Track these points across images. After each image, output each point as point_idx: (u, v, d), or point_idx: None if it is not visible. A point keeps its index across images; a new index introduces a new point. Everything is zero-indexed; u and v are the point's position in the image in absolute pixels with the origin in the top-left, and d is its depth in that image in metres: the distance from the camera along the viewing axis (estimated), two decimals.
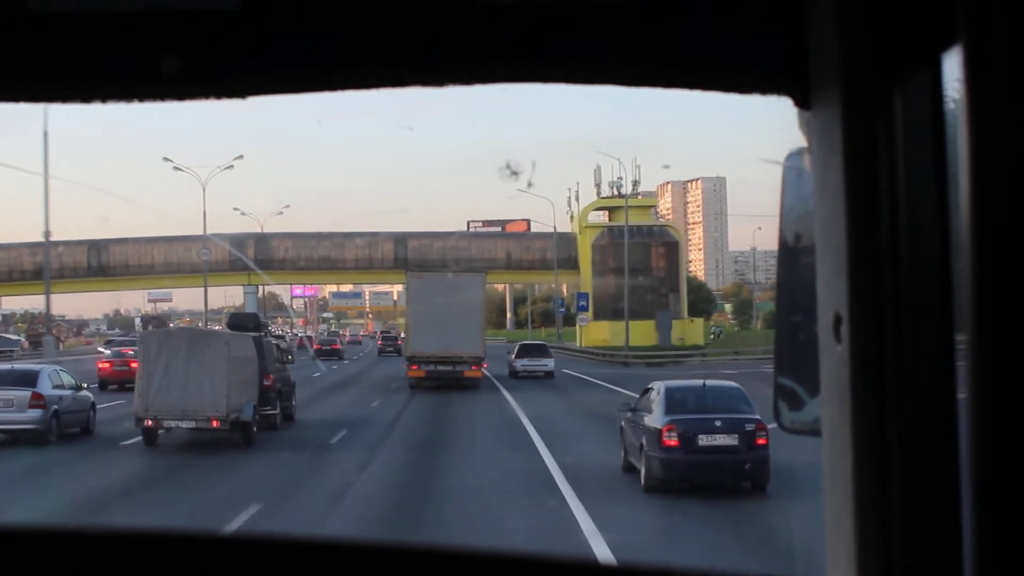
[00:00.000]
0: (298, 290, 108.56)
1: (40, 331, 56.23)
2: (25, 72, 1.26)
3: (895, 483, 1.11)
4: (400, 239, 71.84)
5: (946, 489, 1.07)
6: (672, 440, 14.03)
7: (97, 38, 1.23)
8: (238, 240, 69.15)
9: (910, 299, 1.09)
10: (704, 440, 14.11)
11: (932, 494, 1.09)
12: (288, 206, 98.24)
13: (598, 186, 78.80)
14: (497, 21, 1.21)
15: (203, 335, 21.96)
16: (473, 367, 33.61)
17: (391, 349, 58.38)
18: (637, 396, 16.57)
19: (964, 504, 1.00)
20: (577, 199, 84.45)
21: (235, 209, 60.94)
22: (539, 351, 41.01)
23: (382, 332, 75.95)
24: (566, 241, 73.25)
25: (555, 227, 74.17)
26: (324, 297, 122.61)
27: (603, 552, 10.37)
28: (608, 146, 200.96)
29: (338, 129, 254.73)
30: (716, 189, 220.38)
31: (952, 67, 0.94)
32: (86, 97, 1.27)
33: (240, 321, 24.30)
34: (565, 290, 77.68)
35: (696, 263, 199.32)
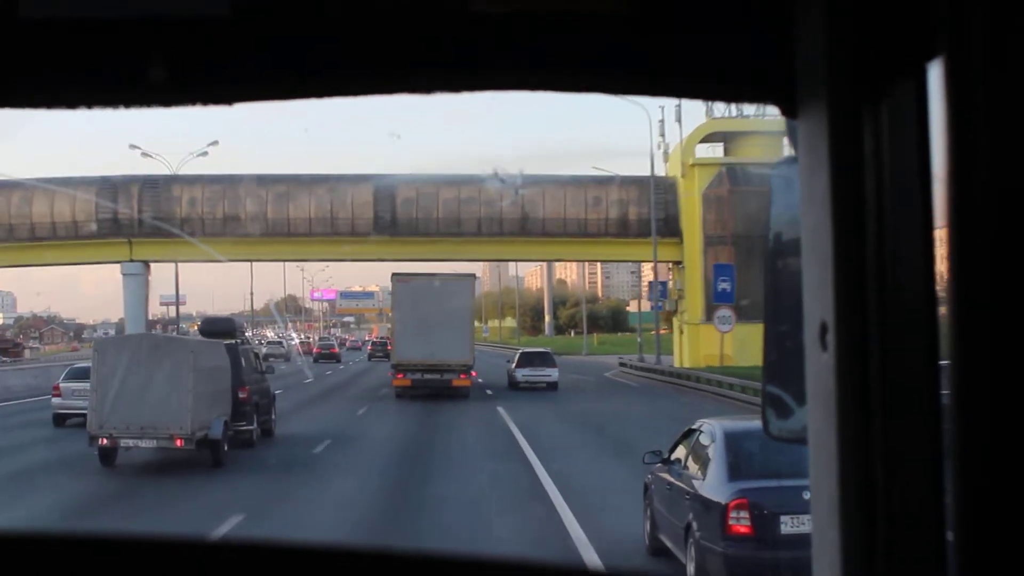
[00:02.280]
0: (317, 293, 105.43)
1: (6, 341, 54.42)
2: (11, 77, 1.26)
3: (881, 491, 1.12)
4: (385, 190, 46.14)
5: (931, 497, 1.09)
6: (743, 525, 8.53)
7: (85, 44, 1.23)
8: (110, 187, 46.00)
9: (896, 308, 1.11)
10: (789, 525, 8.38)
11: (917, 502, 1.10)
12: (216, 142, 69.92)
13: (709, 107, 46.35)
14: (486, 29, 1.21)
15: (165, 342, 19.66)
16: (462, 375, 32.13)
17: (380, 354, 59.89)
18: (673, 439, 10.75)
19: (949, 512, 1.00)
20: (679, 124, 54.15)
21: (133, 147, 49.01)
22: (542, 360, 38.05)
23: (373, 340, 78.76)
24: (662, 189, 46.10)
25: (651, 156, 47.74)
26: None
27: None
28: (597, 158, 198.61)
29: (325, 136, 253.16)
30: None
31: (936, 77, 0.95)
32: (72, 103, 1.27)
33: (214, 327, 22.13)
34: (655, 273, 51.60)
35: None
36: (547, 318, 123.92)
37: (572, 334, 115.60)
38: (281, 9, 1.22)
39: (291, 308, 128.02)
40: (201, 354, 18.02)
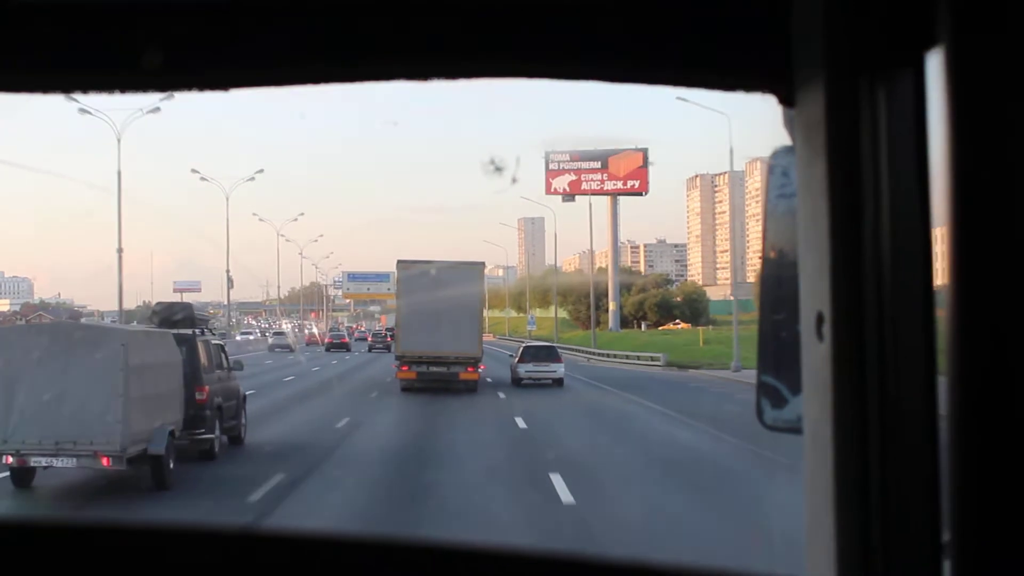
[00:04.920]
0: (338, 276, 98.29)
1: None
2: (5, 61, 1.25)
3: (876, 481, 1.12)
4: None
5: (927, 488, 1.08)
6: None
7: (81, 29, 1.22)
8: None
9: (892, 298, 1.11)
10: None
11: (913, 492, 1.10)
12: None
13: None
14: (483, 17, 1.21)
15: (88, 333, 15.38)
16: (469, 368, 30.20)
17: (380, 346, 63.81)
18: None
19: (944, 502, 1.01)
20: None
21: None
22: (547, 354, 35.89)
23: (373, 332, 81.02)
24: None
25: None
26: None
27: None
28: (593, 143, 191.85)
29: (321, 122, 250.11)
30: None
31: (935, 67, 0.95)
32: (67, 88, 1.26)
33: (171, 314, 18.07)
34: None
35: (722, 264, 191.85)
36: (611, 305, 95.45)
37: (642, 326, 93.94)
38: None
39: (315, 296, 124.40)
40: (139, 348, 14.22)
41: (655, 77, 1.29)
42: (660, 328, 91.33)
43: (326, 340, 72.40)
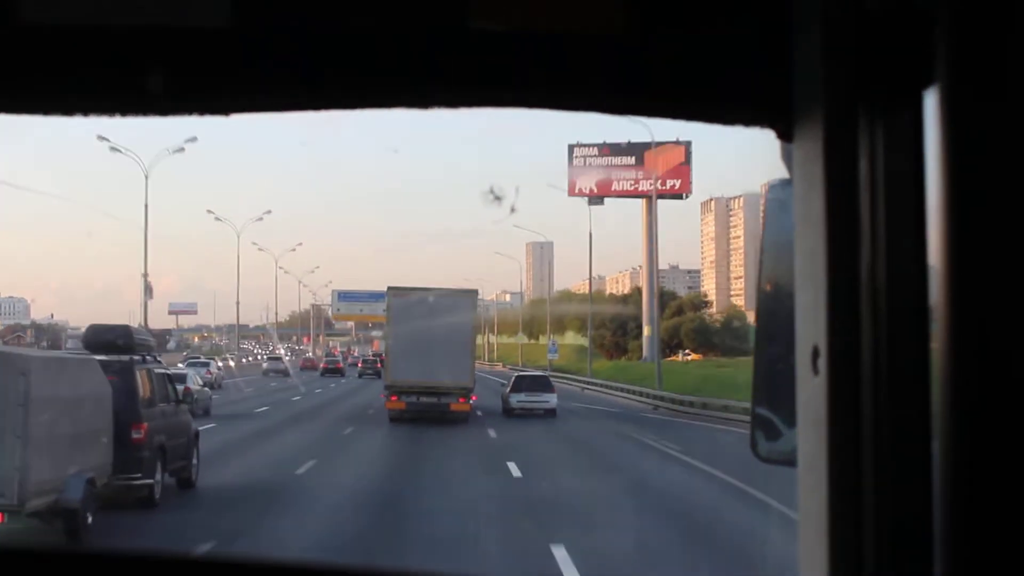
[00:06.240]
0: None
1: None
2: (7, 83, 1.25)
3: (870, 515, 1.11)
4: None
5: (921, 523, 1.08)
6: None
7: (83, 52, 1.23)
8: None
9: (888, 333, 1.10)
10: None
11: (907, 527, 1.09)
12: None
13: None
14: (484, 46, 1.22)
15: None
16: (460, 399, 29.25)
17: (371, 372, 62.73)
18: None
19: (938, 538, 0.99)
20: None
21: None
22: (539, 384, 35.45)
23: (363, 357, 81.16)
24: None
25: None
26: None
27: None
28: None
29: (321, 149, 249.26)
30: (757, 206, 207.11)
31: (933, 103, 0.94)
32: (69, 110, 1.27)
33: (102, 338, 15.57)
34: None
35: (736, 291, 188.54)
36: (646, 330, 76.89)
37: (681, 356, 77.58)
38: (281, 22, 1.22)
39: (318, 320, 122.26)
40: (48, 377, 11.89)
41: (655, 110, 1.31)
42: (687, 359, 76.58)
43: (322, 365, 74.85)
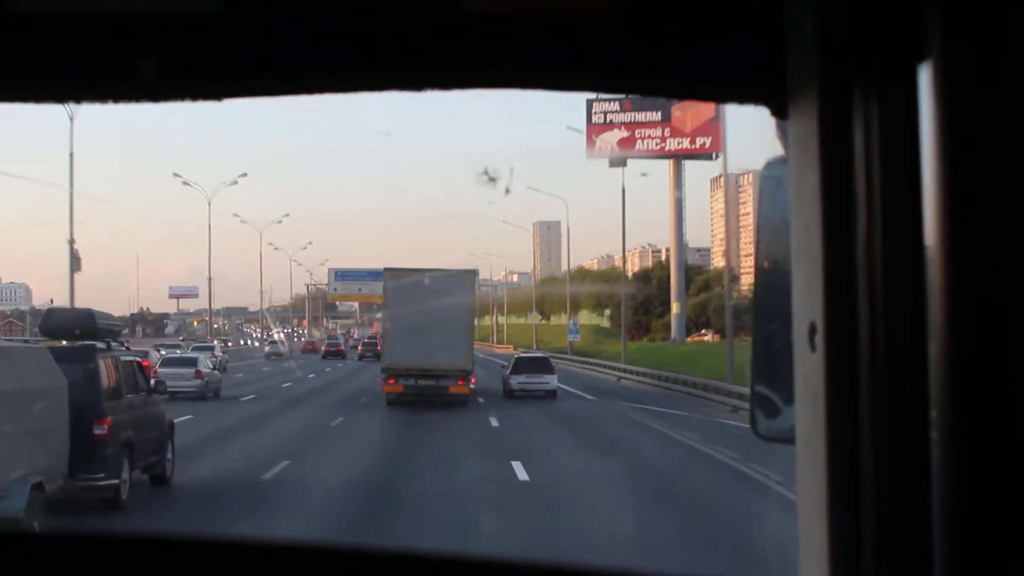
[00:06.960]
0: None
1: None
2: (0, 70, 1.26)
3: (868, 491, 1.12)
4: None
5: (919, 498, 1.09)
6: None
7: (75, 39, 1.23)
8: None
9: (885, 309, 1.11)
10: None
11: (905, 503, 1.10)
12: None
13: None
14: (478, 28, 1.23)
15: None
16: (459, 382, 28.51)
17: (370, 354, 61.23)
18: None
19: (936, 513, 1.02)
20: None
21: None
22: (540, 366, 34.90)
23: (364, 339, 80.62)
24: None
25: None
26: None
27: None
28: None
29: (315, 133, 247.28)
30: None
31: (928, 79, 0.96)
32: (61, 97, 1.29)
33: (61, 323, 14.30)
34: None
35: (746, 269, 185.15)
36: (674, 307, 70.73)
37: (710, 337, 70.56)
38: (272, 5, 1.22)
39: (316, 302, 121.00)
40: None
41: (650, 88, 1.32)
42: (712, 339, 68.62)
43: (323, 348, 75.92)
